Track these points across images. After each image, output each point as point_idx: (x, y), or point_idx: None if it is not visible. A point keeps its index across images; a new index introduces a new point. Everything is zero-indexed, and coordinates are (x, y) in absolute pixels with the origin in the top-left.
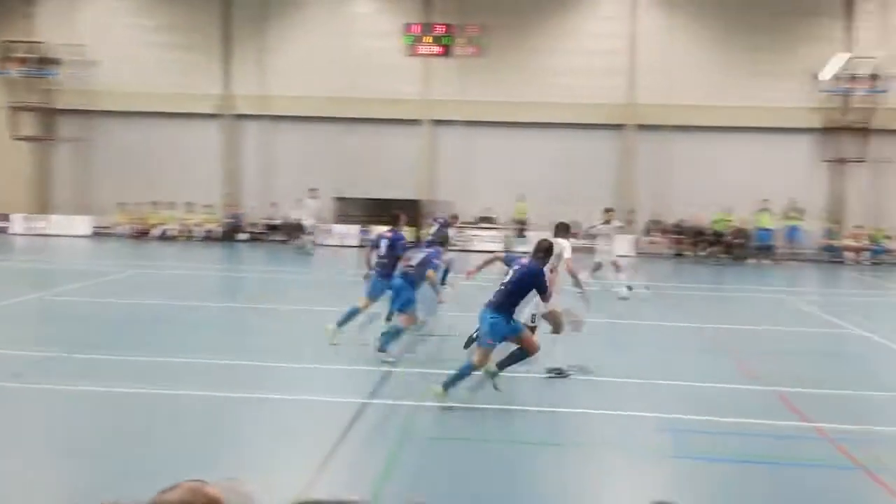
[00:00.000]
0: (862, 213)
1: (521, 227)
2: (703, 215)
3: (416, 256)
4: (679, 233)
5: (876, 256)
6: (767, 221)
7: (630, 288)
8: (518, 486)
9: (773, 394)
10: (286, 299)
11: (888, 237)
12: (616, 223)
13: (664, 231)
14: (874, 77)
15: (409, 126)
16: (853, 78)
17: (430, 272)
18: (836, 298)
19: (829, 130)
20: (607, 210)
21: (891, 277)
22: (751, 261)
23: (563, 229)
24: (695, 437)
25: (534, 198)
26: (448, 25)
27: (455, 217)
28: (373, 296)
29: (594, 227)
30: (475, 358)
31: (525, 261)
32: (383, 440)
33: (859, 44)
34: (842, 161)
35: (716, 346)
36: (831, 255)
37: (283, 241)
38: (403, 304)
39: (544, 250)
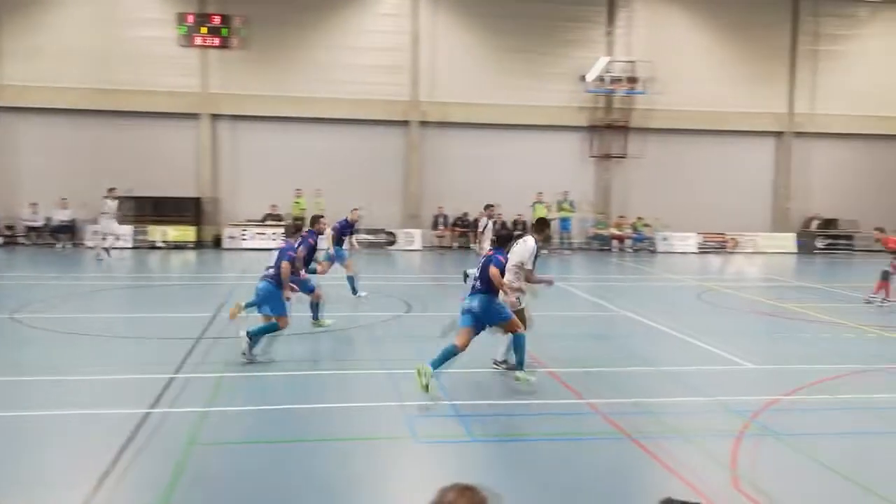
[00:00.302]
0: (625, 204)
1: (298, 224)
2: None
3: (273, 258)
4: (464, 226)
5: (637, 244)
6: (542, 214)
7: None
8: (314, 482)
9: (551, 374)
10: (53, 308)
11: (647, 225)
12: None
13: (451, 225)
14: (632, 80)
15: (189, 120)
16: (614, 80)
17: (283, 263)
18: (603, 283)
19: (595, 128)
20: (487, 206)
21: (650, 262)
22: None
23: (538, 226)
24: (484, 420)
25: (322, 193)
26: (224, 16)
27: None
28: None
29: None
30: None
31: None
32: (168, 449)
33: (620, 49)
34: (607, 157)
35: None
36: (600, 244)
37: (49, 245)
38: (274, 307)
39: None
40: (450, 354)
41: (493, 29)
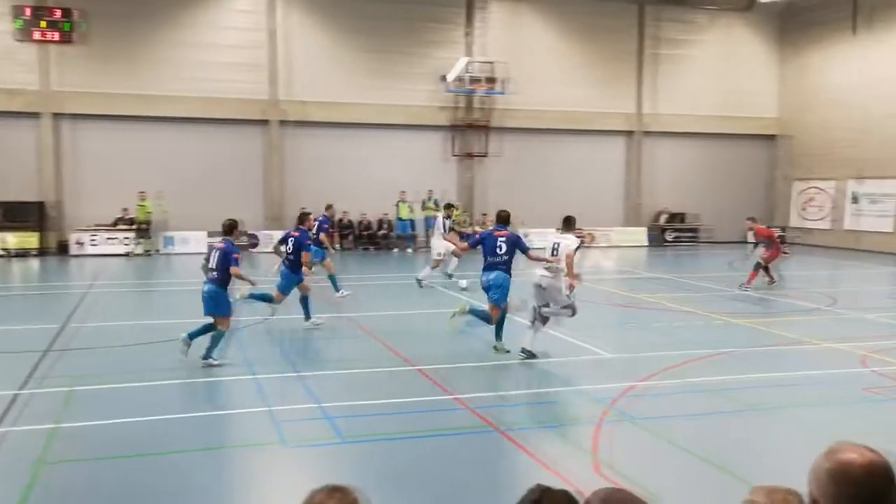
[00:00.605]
0: (487, 202)
1: (145, 227)
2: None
3: (214, 257)
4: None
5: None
6: (406, 212)
7: (450, 276)
8: (179, 496)
9: (419, 372)
10: None
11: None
12: (450, 221)
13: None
14: (491, 80)
15: (29, 120)
16: (474, 80)
17: (232, 268)
18: (468, 279)
19: (456, 128)
20: (447, 206)
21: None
22: (394, 250)
23: (568, 223)
24: (354, 421)
25: (176, 195)
26: (65, 9)
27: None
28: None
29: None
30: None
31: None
32: (13, 469)
33: (478, 49)
34: (468, 156)
35: (366, 332)
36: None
37: None
38: (219, 309)
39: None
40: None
41: (353, 28)
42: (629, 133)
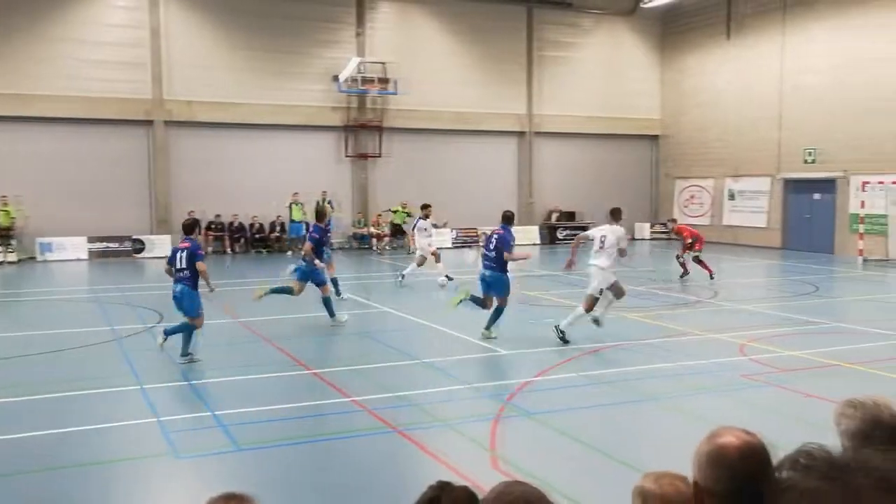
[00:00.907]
0: (382, 203)
1: (7, 233)
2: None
3: (181, 258)
4: (219, 230)
5: (395, 241)
6: (299, 214)
7: (450, 278)
8: None
9: (315, 375)
10: None
11: (404, 222)
12: (431, 220)
13: (205, 230)
14: (383, 80)
15: None
16: (366, 81)
17: (198, 264)
18: (364, 281)
19: (349, 128)
20: (424, 206)
21: (408, 259)
22: (289, 253)
23: (615, 214)
24: (250, 428)
25: (54, 200)
26: None
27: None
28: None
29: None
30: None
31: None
32: None
33: (370, 49)
34: (363, 156)
35: (263, 337)
36: (360, 243)
37: None
38: (191, 309)
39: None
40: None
41: (241, 27)
42: (520, 133)
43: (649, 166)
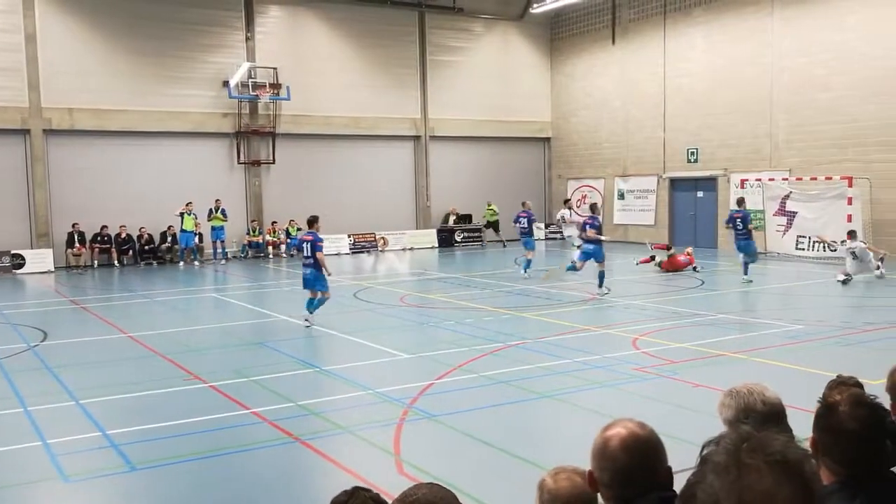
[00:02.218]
0: (277, 210)
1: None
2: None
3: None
4: (105, 242)
5: (292, 248)
6: (192, 224)
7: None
8: None
9: (212, 388)
10: None
11: (299, 229)
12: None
13: (90, 242)
14: (275, 85)
15: None
16: (258, 86)
17: (318, 254)
18: (261, 290)
19: (241, 134)
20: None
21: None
22: (180, 264)
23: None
24: (145, 446)
25: None
26: None
27: None
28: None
29: None
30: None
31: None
32: None
33: (261, 54)
34: (256, 163)
35: (155, 352)
36: (255, 251)
37: None
38: (319, 285)
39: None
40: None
41: (125, 32)
42: (415, 137)
43: (542, 168)
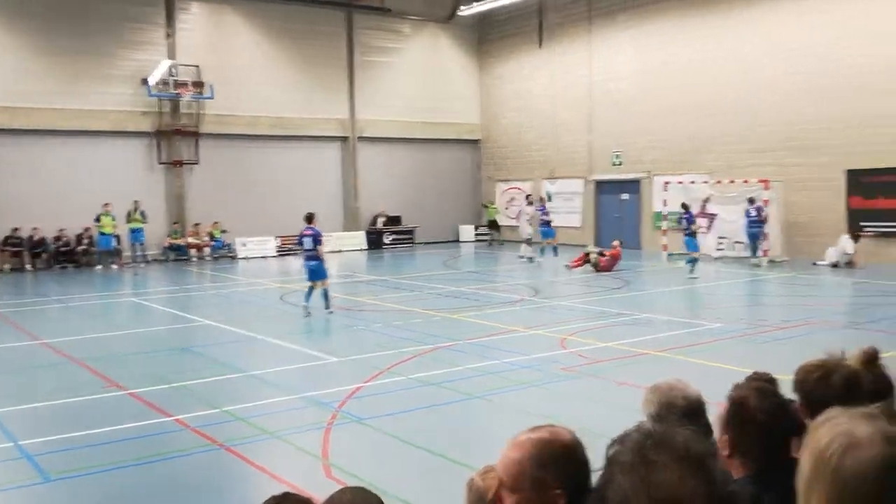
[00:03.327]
0: (200, 212)
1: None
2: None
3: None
4: (18, 245)
5: (217, 251)
6: (110, 226)
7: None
8: None
9: (132, 396)
10: None
11: (224, 231)
12: None
13: (1, 245)
14: (197, 84)
15: None
16: (179, 84)
17: (319, 248)
18: (183, 294)
19: (162, 134)
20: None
21: (231, 269)
22: (98, 267)
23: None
24: (61, 457)
25: None
26: None
27: None
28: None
29: None
30: None
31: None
32: None
33: (182, 52)
34: (178, 163)
35: (71, 359)
36: (177, 254)
37: None
38: (321, 275)
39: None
40: None
41: (38, 27)
42: (343, 138)
43: (471, 170)
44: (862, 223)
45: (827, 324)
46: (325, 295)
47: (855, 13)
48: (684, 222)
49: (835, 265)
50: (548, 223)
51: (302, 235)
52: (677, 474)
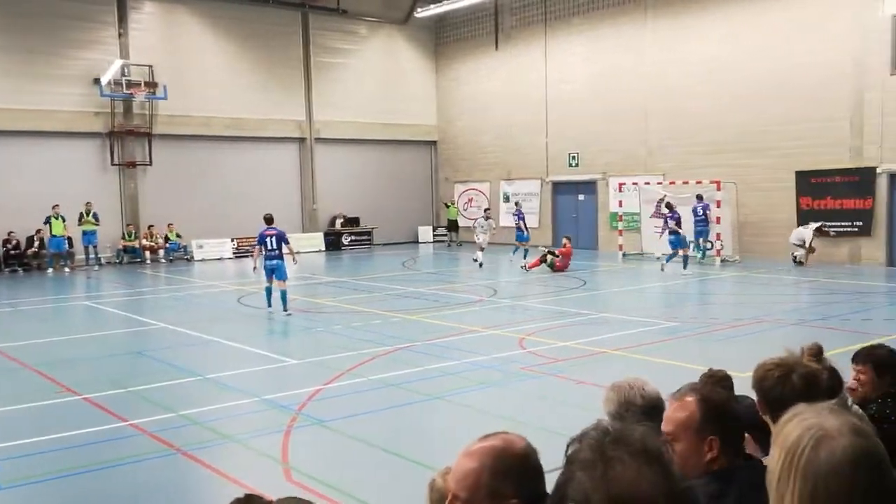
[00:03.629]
0: (154, 214)
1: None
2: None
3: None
4: None
5: (172, 253)
6: (60, 228)
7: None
8: None
9: (86, 401)
10: None
11: (179, 235)
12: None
13: None
14: (151, 84)
15: None
16: (132, 84)
17: (287, 245)
18: (137, 297)
19: (115, 135)
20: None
21: (187, 271)
22: (49, 270)
23: None
24: (14, 464)
25: None
26: None
27: None
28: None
29: None
30: None
31: None
32: None
33: (135, 52)
34: (131, 164)
35: (22, 364)
36: (131, 257)
37: None
38: (281, 275)
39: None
40: None
41: None
42: (301, 140)
43: (429, 171)
44: (811, 223)
45: (778, 321)
46: (284, 297)
47: (801, 17)
48: (672, 222)
49: (795, 259)
50: (521, 228)
51: (264, 235)
52: (635, 469)
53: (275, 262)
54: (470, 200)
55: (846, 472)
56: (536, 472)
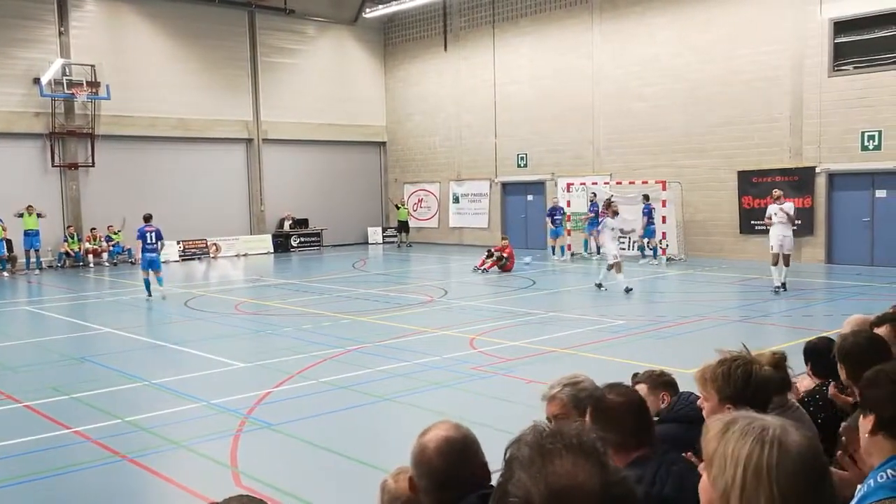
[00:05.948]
0: (97, 216)
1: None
2: None
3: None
4: None
5: (115, 256)
6: (1, 232)
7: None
8: None
9: (28, 408)
10: None
11: (117, 232)
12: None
13: None
14: (93, 84)
15: None
16: (73, 84)
17: (160, 242)
18: (80, 301)
19: (56, 135)
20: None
21: (130, 275)
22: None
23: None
24: None
25: None
26: None
27: None
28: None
29: None
30: None
31: None
32: None
33: (77, 51)
34: (73, 166)
35: None
36: (73, 260)
37: None
38: (159, 266)
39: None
40: None
41: None
42: (248, 140)
43: (378, 172)
44: (753, 222)
45: (722, 318)
46: (160, 281)
47: (742, 20)
48: (644, 218)
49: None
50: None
51: (144, 231)
52: (571, 461)
53: (153, 255)
54: (420, 201)
55: (806, 468)
56: (482, 459)
